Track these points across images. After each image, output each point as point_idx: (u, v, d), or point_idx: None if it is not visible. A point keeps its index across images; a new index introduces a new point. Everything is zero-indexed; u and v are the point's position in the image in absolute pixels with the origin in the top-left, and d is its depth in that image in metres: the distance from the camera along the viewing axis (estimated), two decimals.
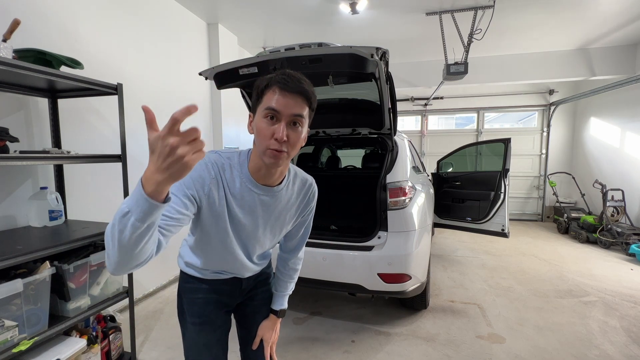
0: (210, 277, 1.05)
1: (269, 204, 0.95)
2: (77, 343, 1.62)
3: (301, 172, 1.05)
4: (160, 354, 2.11)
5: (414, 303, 2.62)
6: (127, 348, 2.02)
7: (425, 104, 6.94)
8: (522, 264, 3.88)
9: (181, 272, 1.11)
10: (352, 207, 3.12)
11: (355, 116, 2.76)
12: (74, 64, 1.73)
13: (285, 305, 1.18)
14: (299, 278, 2.23)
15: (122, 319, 2.09)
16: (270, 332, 1.15)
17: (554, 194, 5.83)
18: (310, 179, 1.07)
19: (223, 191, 0.89)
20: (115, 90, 1.84)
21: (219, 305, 1.08)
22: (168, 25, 3.20)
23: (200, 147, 0.56)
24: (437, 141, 7.06)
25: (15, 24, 1.52)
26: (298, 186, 1.02)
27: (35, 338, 1.40)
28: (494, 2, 3.33)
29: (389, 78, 2.17)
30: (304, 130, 0.86)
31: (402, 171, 2.30)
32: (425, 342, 2.24)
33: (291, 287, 1.21)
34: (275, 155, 0.81)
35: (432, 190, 3.40)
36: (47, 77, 1.49)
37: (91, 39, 2.38)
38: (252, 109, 0.89)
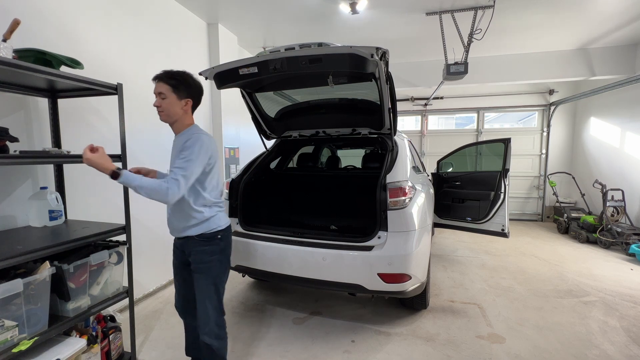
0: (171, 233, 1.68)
1: (174, 145, 1.61)
2: (77, 343, 1.62)
3: (194, 133, 1.56)
4: (160, 354, 2.11)
5: (414, 303, 2.62)
6: (127, 348, 2.02)
7: (425, 104, 6.94)
8: (522, 264, 3.88)
9: None
10: (352, 207, 3.12)
11: (355, 116, 2.76)
12: (74, 64, 1.73)
13: (123, 174, 1.39)
14: (300, 278, 2.24)
15: (122, 319, 2.09)
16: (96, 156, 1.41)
17: (554, 194, 5.83)
18: (193, 136, 1.55)
19: None
20: (115, 90, 1.84)
21: (180, 255, 1.69)
22: (168, 25, 3.20)
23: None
24: (437, 141, 7.06)
25: (15, 24, 1.51)
26: (184, 136, 1.56)
27: (35, 338, 1.40)
28: (494, 2, 3.33)
29: (389, 78, 2.17)
30: (169, 100, 1.52)
31: (402, 171, 2.30)
32: (425, 342, 2.24)
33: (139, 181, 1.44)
34: (160, 114, 1.55)
35: (432, 190, 3.40)
36: (47, 77, 1.49)
37: (91, 39, 2.38)
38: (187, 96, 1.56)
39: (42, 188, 1.87)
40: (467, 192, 3.84)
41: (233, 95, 3.95)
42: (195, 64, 3.58)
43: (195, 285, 1.60)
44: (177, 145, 1.55)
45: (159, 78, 1.50)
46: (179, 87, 1.51)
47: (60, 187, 2.03)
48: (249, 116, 2.95)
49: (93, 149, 1.36)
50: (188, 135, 1.53)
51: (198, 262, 1.58)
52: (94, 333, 1.80)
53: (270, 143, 3.26)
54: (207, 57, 3.84)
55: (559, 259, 4.08)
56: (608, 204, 4.69)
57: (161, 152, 2.99)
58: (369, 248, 2.14)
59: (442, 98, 6.84)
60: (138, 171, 1.53)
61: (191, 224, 1.55)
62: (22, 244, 1.47)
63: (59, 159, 1.63)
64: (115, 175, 1.36)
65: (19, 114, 1.90)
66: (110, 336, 1.91)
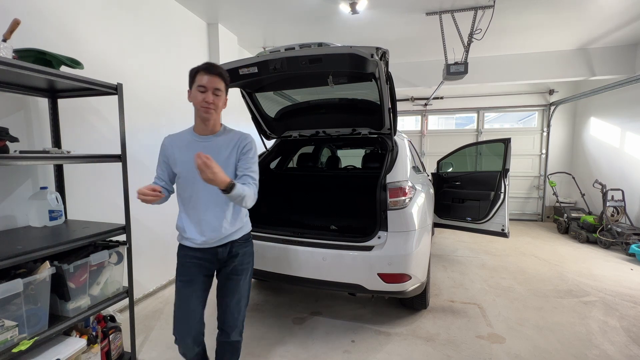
0: (193, 244, 1.46)
1: (209, 146, 1.44)
2: (77, 343, 1.62)
3: (234, 130, 1.54)
4: (160, 354, 2.11)
5: (414, 303, 2.62)
6: (127, 348, 2.02)
7: (425, 104, 6.94)
8: (522, 264, 3.88)
9: (179, 244, 1.54)
10: (352, 207, 3.12)
11: (355, 116, 2.76)
12: (74, 63, 1.73)
13: (235, 186, 1.30)
14: (300, 278, 2.24)
15: (122, 319, 2.09)
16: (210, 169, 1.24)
17: (554, 194, 5.83)
18: (242, 132, 1.53)
19: (174, 149, 1.48)
20: (115, 90, 1.84)
21: (201, 268, 1.49)
22: (168, 25, 3.20)
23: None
24: (437, 141, 7.06)
25: (15, 24, 1.51)
26: (233, 135, 1.50)
27: (35, 338, 1.40)
28: (494, 2, 3.33)
29: (389, 78, 2.17)
30: (223, 97, 1.45)
31: (402, 171, 2.30)
32: (425, 342, 2.24)
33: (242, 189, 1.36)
34: (207, 109, 1.40)
35: (432, 190, 3.40)
36: (47, 77, 1.49)
37: (91, 39, 2.38)
38: (190, 85, 1.44)
39: (42, 188, 1.87)
40: (467, 192, 3.84)
41: (233, 95, 3.94)
42: (195, 64, 3.56)
43: (232, 289, 1.53)
44: (220, 146, 1.45)
45: (217, 73, 1.39)
46: (228, 84, 1.46)
47: (60, 187, 2.04)
48: (249, 116, 2.95)
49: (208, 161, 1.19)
50: (236, 136, 1.49)
51: (242, 264, 1.54)
52: (94, 333, 1.80)
53: (270, 143, 3.26)
54: (207, 57, 3.84)
55: (559, 259, 4.08)
56: (608, 204, 4.69)
57: None
58: (369, 248, 2.14)
59: (442, 98, 6.84)
60: (153, 189, 1.32)
61: (238, 227, 1.52)
62: (22, 244, 1.47)
63: (59, 159, 1.63)
64: (231, 187, 1.26)
65: (19, 114, 1.90)
66: (110, 336, 1.91)
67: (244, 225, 1.56)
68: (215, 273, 1.57)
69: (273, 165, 3.40)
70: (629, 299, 2.91)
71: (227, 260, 1.51)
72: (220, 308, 1.54)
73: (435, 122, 7.30)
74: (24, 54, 1.55)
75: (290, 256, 2.25)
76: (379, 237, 2.14)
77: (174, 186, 1.54)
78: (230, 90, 2.87)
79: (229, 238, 1.49)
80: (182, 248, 1.52)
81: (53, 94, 1.97)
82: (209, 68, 1.38)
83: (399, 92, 6.00)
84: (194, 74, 1.39)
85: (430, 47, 4.64)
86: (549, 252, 4.38)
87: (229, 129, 1.52)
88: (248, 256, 1.58)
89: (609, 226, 4.48)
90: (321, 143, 3.74)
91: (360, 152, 3.98)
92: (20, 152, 1.61)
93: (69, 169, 2.14)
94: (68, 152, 1.77)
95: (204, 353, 1.59)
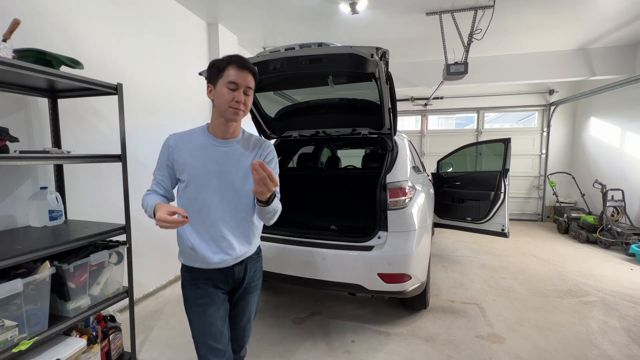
0: (205, 264, 1.23)
1: (229, 152, 1.24)
2: (77, 343, 1.62)
3: (253, 134, 1.36)
4: (160, 354, 2.11)
5: (414, 303, 2.62)
6: (127, 348, 2.02)
7: (425, 104, 6.94)
8: (522, 264, 3.88)
9: (182, 265, 1.31)
10: (352, 207, 3.12)
11: (355, 116, 2.76)
12: (74, 63, 1.73)
13: (275, 198, 1.19)
14: (300, 278, 2.24)
15: (122, 319, 2.09)
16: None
17: (554, 194, 5.83)
18: (259, 137, 1.36)
19: (182, 151, 1.22)
20: (115, 90, 1.84)
21: (215, 289, 1.28)
22: (168, 25, 3.20)
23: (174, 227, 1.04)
24: (437, 141, 7.06)
25: (15, 24, 1.51)
26: (254, 141, 1.31)
27: (35, 338, 1.40)
28: (494, 2, 3.33)
29: (389, 78, 2.17)
30: (251, 97, 1.22)
31: (402, 171, 2.30)
32: (425, 342, 2.24)
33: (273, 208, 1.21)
34: (235, 111, 1.17)
35: (432, 190, 3.40)
36: (47, 77, 1.49)
37: (91, 39, 2.38)
38: (211, 81, 1.20)
39: (42, 188, 1.87)
40: (467, 192, 3.84)
41: None
42: (195, 64, 3.58)
43: (243, 308, 1.37)
44: (240, 153, 1.25)
45: (251, 69, 1.17)
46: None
47: (60, 187, 2.04)
48: (249, 116, 2.95)
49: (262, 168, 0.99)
50: (257, 142, 1.31)
51: (254, 280, 1.37)
52: (94, 333, 1.80)
53: None
54: (207, 57, 3.84)
55: (559, 259, 4.08)
56: (608, 204, 4.69)
57: None
58: (369, 248, 2.13)
59: (442, 98, 6.84)
60: (173, 212, 1.04)
61: (255, 241, 1.35)
62: (22, 244, 1.47)
63: (59, 159, 1.63)
64: (272, 198, 1.14)
65: (19, 114, 1.90)
66: (110, 336, 1.90)
67: (258, 237, 1.39)
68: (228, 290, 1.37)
69: None
70: (629, 299, 2.91)
71: (241, 279, 1.32)
72: (230, 328, 1.37)
73: (435, 122, 7.30)
74: (24, 54, 1.55)
75: (290, 256, 2.25)
76: (379, 237, 2.14)
77: (174, 192, 1.32)
78: None
79: (247, 254, 1.31)
80: (189, 270, 1.27)
81: (53, 94, 1.97)
82: (242, 62, 1.15)
83: (399, 92, 6.00)
84: (222, 67, 1.15)
85: (430, 47, 4.64)
86: (549, 252, 4.38)
87: (248, 134, 1.32)
88: (259, 271, 1.41)
89: (609, 226, 4.48)
90: (321, 143, 3.74)
91: (360, 152, 3.98)
92: (20, 152, 1.61)
93: (69, 169, 2.14)
94: (68, 152, 1.77)
95: None
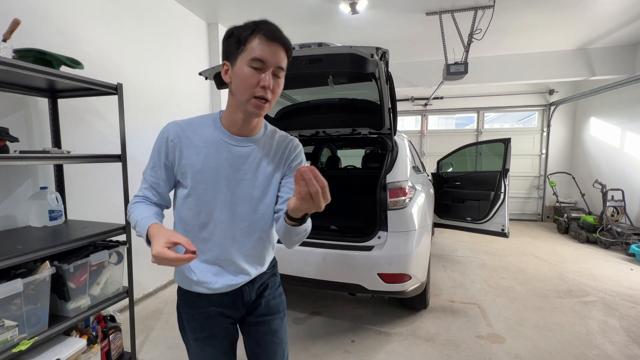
0: (206, 289, 0.95)
1: (248, 154, 0.93)
2: (77, 343, 1.62)
3: (277, 129, 1.05)
4: (160, 354, 2.11)
5: (414, 303, 2.62)
6: (127, 348, 2.02)
7: (425, 104, 6.94)
8: (522, 264, 3.88)
9: (179, 287, 1.02)
10: (352, 207, 3.12)
11: (355, 116, 2.76)
12: (74, 64, 1.73)
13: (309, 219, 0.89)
14: (300, 278, 2.24)
15: (122, 319, 2.09)
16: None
17: (554, 194, 5.83)
18: (286, 134, 1.04)
19: (189, 148, 0.90)
20: (115, 90, 1.84)
21: (221, 318, 1.00)
22: (168, 25, 3.20)
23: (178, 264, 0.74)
24: (437, 141, 7.06)
25: (15, 24, 1.51)
26: (278, 140, 1.00)
27: (35, 338, 1.40)
28: (494, 2, 3.33)
29: (389, 78, 2.17)
30: (282, 82, 0.89)
31: (402, 171, 2.30)
32: (425, 342, 2.24)
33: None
34: (259, 105, 0.84)
35: (432, 190, 3.40)
36: (47, 77, 1.49)
37: (91, 39, 2.38)
38: (228, 57, 0.86)
39: (42, 188, 1.87)
40: (467, 192, 3.84)
41: None
42: (195, 64, 3.58)
43: (268, 338, 1.06)
44: (262, 155, 0.95)
45: (285, 43, 0.84)
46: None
47: (60, 187, 2.04)
48: None
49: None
50: (281, 141, 1.00)
51: (275, 297, 1.08)
52: (94, 333, 1.80)
53: None
54: (207, 57, 3.84)
55: (559, 259, 4.08)
56: (608, 204, 4.68)
57: None
58: (369, 248, 2.14)
59: (442, 98, 6.84)
60: (174, 243, 0.74)
61: (269, 258, 1.06)
62: (22, 244, 1.47)
63: (59, 159, 1.63)
64: (307, 215, 0.83)
65: (19, 114, 1.90)
66: (110, 336, 1.90)
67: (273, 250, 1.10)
68: (239, 320, 1.07)
69: None
70: (629, 299, 2.91)
71: (255, 300, 1.04)
72: None
73: (435, 122, 7.30)
74: (24, 54, 1.55)
75: (291, 256, 2.25)
76: (379, 237, 2.14)
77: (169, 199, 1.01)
78: None
79: (260, 271, 1.03)
80: (186, 295, 0.99)
81: (53, 94, 1.97)
82: (273, 32, 0.81)
83: (399, 92, 6.00)
84: (245, 37, 0.81)
85: (430, 47, 4.64)
86: (549, 252, 4.38)
87: (271, 128, 1.01)
88: (277, 287, 1.12)
89: (609, 226, 4.48)
90: (321, 143, 3.74)
91: (360, 152, 3.98)
92: (20, 152, 1.61)
93: (69, 169, 2.14)
94: (68, 152, 1.77)
95: None
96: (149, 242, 0.79)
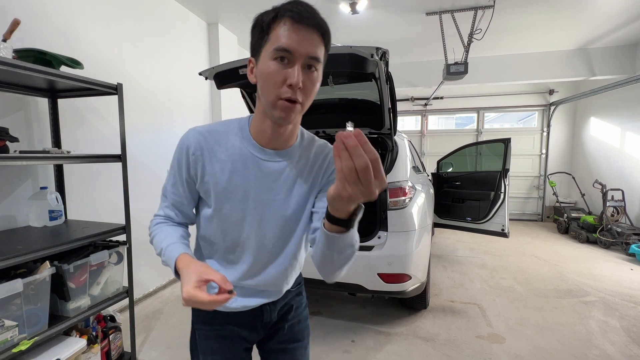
0: (224, 307, 0.84)
1: (280, 171, 0.78)
2: (77, 343, 1.62)
3: (315, 137, 0.86)
4: (160, 354, 2.11)
5: (414, 303, 2.62)
6: (127, 348, 2.02)
7: (425, 104, 6.94)
8: (522, 264, 3.88)
9: None
10: None
11: (355, 116, 2.76)
12: (74, 64, 1.73)
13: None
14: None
15: (122, 319, 2.09)
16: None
17: (554, 194, 5.83)
18: (325, 142, 0.85)
19: (215, 163, 0.76)
20: (115, 90, 1.84)
21: (237, 340, 0.89)
22: (168, 25, 3.20)
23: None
24: (437, 141, 7.06)
25: (15, 24, 1.52)
26: (316, 150, 0.82)
27: (35, 338, 1.40)
28: (494, 2, 3.33)
29: (389, 78, 2.17)
30: (320, 77, 0.70)
31: (402, 171, 2.30)
32: (425, 342, 2.24)
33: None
34: (288, 107, 0.66)
35: (432, 190, 3.40)
36: (47, 77, 1.49)
37: (91, 39, 2.38)
38: (254, 51, 0.71)
39: (42, 188, 1.87)
40: (467, 192, 3.84)
41: (233, 96, 3.95)
42: (195, 64, 3.58)
43: None
44: (299, 171, 0.80)
45: (319, 26, 0.66)
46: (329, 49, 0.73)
47: (60, 187, 2.04)
48: (245, 108, 2.94)
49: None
50: (319, 150, 0.83)
51: (300, 321, 0.97)
52: (94, 333, 1.80)
53: None
54: (207, 57, 3.84)
55: (559, 259, 4.08)
56: (608, 204, 4.69)
57: (161, 152, 3.00)
58: (369, 248, 2.14)
59: (442, 98, 6.84)
60: (206, 280, 0.66)
61: (295, 274, 0.92)
62: (22, 244, 1.47)
63: (59, 159, 1.63)
64: (357, 211, 0.63)
65: (19, 114, 1.90)
66: (110, 336, 1.90)
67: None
68: (257, 344, 0.97)
69: None
70: (629, 299, 2.91)
71: (278, 323, 0.93)
72: None
73: (435, 122, 7.30)
74: (24, 54, 1.55)
75: None
76: (379, 237, 2.14)
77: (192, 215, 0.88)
78: (230, 90, 2.89)
79: (285, 290, 0.91)
80: (202, 311, 0.89)
81: (53, 94, 1.97)
82: (301, 13, 0.64)
83: (399, 92, 6.00)
84: (268, 22, 0.66)
85: (430, 47, 4.64)
86: (549, 252, 4.38)
87: (308, 136, 0.85)
88: (304, 307, 1.00)
89: (609, 226, 4.48)
90: None
91: None
92: (20, 152, 1.61)
93: (69, 169, 2.14)
94: (68, 152, 1.77)
95: None
96: (177, 274, 0.70)
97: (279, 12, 0.65)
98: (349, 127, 0.50)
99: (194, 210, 0.86)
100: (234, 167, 0.76)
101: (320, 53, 0.67)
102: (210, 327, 0.89)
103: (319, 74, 0.69)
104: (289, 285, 0.90)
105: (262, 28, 0.67)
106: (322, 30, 0.66)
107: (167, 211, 0.82)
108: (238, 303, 0.84)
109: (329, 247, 0.65)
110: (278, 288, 0.87)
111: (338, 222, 0.60)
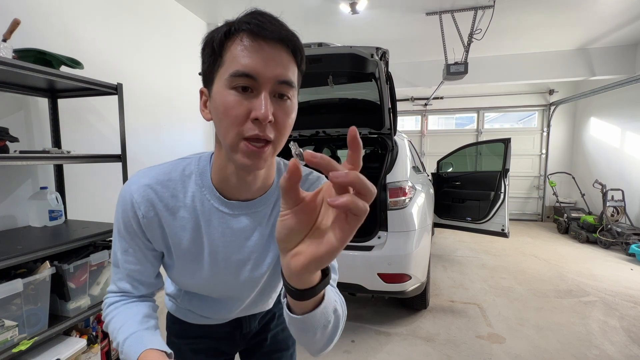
0: (201, 320, 0.79)
1: (253, 226, 0.63)
2: (77, 343, 1.62)
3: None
4: None
5: (414, 303, 2.62)
6: None
7: (425, 104, 6.94)
8: (522, 264, 3.88)
9: (168, 312, 0.85)
10: None
11: (355, 116, 2.76)
12: (74, 63, 1.73)
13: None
14: None
15: None
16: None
17: (554, 194, 5.83)
18: (318, 175, 0.68)
19: (168, 223, 0.61)
20: (115, 90, 1.84)
21: (213, 354, 0.82)
22: (168, 25, 3.20)
23: None
24: (437, 141, 7.06)
25: (15, 24, 1.51)
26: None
27: (35, 338, 1.40)
28: (494, 2, 3.33)
29: (389, 78, 2.17)
30: (295, 107, 0.55)
31: (402, 171, 2.30)
32: (425, 342, 2.24)
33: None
34: (254, 151, 0.50)
35: (432, 190, 3.40)
36: (47, 77, 1.49)
37: (91, 39, 2.38)
38: (205, 79, 0.58)
39: (42, 188, 1.87)
40: (467, 192, 3.84)
41: None
42: (195, 64, 3.58)
43: None
44: (274, 223, 0.65)
45: (286, 39, 0.51)
46: (303, 69, 0.59)
47: (60, 187, 2.04)
48: None
49: None
50: (311, 183, 0.68)
51: (284, 329, 0.89)
52: (94, 333, 1.80)
53: None
54: None
55: (559, 259, 4.08)
56: (608, 204, 4.68)
57: (161, 152, 3.00)
58: (369, 248, 2.14)
59: (442, 98, 6.84)
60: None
61: (278, 290, 0.81)
62: (22, 244, 1.47)
63: (59, 159, 1.63)
64: (326, 277, 0.45)
65: (19, 114, 1.90)
66: None
67: None
68: (239, 354, 0.91)
69: None
70: (629, 299, 2.91)
71: (260, 333, 0.87)
72: None
73: (435, 122, 7.30)
74: (24, 54, 1.55)
75: None
76: (378, 237, 2.14)
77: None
78: None
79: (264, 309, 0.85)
80: (176, 322, 0.82)
81: (53, 94, 1.97)
82: (262, 25, 0.50)
83: (399, 92, 5.99)
84: (219, 41, 0.54)
85: (430, 47, 4.64)
86: (549, 252, 4.38)
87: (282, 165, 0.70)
88: (285, 330, 0.91)
89: (609, 226, 4.48)
90: (321, 143, 3.74)
91: None
92: (20, 152, 1.61)
93: (69, 169, 2.14)
94: (68, 152, 1.77)
95: None
96: None
97: (233, 26, 0.52)
98: (294, 149, 0.37)
99: (156, 275, 0.68)
100: (196, 225, 0.61)
101: (293, 75, 0.52)
102: (184, 340, 0.81)
103: (292, 102, 0.53)
104: (272, 302, 0.83)
105: (212, 49, 0.53)
106: (291, 45, 0.51)
107: (121, 285, 0.65)
108: (215, 317, 0.76)
109: (306, 329, 0.48)
110: (260, 309, 0.82)
111: (308, 294, 0.41)
